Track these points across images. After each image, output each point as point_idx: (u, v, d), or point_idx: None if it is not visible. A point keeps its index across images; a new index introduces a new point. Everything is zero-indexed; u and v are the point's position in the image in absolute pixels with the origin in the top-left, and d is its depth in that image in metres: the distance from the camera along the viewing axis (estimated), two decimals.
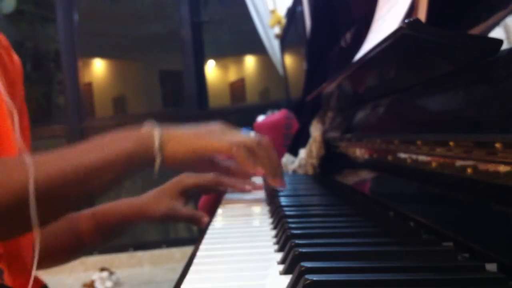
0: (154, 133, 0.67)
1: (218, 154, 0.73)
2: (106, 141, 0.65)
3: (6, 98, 0.67)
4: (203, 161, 0.75)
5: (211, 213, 0.78)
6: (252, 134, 0.78)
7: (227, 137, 0.72)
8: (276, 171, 0.76)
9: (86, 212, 0.87)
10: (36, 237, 0.59)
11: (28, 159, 0.57)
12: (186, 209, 0.85)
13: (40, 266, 0.74)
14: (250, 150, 0.73)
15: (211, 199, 1.10)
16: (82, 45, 3.53)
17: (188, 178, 0.85)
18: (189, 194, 0.87)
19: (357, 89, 0.89)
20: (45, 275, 0.78)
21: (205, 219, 0.81)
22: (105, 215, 0.86)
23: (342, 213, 0.63)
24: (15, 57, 0.81)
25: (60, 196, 0.61)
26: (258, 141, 0.75)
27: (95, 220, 0.86)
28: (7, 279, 0.64)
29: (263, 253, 0.47)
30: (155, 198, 0.85)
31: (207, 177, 0.84)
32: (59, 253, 0.85)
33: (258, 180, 0.86)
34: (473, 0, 0.48)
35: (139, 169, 0.67)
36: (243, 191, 0.83)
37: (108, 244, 0.91)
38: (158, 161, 0.67)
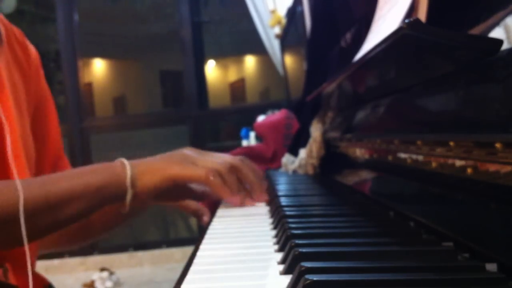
0: (126, 166, 0.66)
1: (192, 182, 0.71)
2: (78, 172, 0.66)
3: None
4: (177, 190, 0.73)
5: (211, 213, 0.78)
6: (225, 158, 0.74)
7: (200, 164, 0.70)
8: (254, 191, 0.76)
9: None
10: (26, 252, 0.59)
11: (19, 183, 0.58)
12: (193, 203, 0.84)
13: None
14: (224, 176, 0.71)
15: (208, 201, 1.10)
16: (82, 45, 3.53)
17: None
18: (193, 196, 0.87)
19: (357, 89, 0.89)
20: (45, 275, 0.79)
21: (205, 218, 0.81)
22: None
23: (342, 213, 0.63)
24: (32, 51, 0.81)
25: (33, 220, 0.61)
26: (231, 165, 0.72)
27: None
28: (12, 278, 0.64)
29: (263, 253, 0.47)
30: None
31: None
32: (68, 238, 0.85)
33: None
34: (473, 0, 0.48)
35: (109, 202, 0.67)
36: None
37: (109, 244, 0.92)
38: (129, 195, 0.66)
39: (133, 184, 0.66)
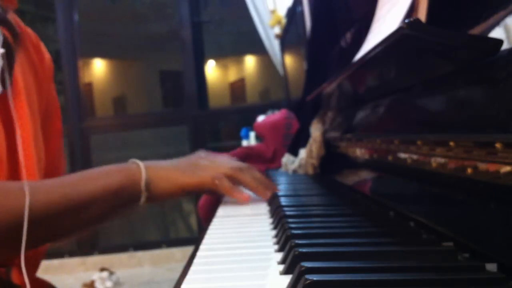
0: (141, 169, 0.68)
1: (201, 189, 0.75)
2: (94, 175, 0.66)
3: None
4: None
5: (211, 213, 0.78)
6: (232, 161, 0.80)
7: (209, 170, 0.74)
8: (264, 189, 0.80)
9: None
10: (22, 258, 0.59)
11: (26, 185, 0.58)
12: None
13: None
14: (233, 178, 0.76)
15: (211, 199, 1.10)
16: (82, 45, 3.53)
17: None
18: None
19: (357, 89, 0.89)
20: (45, 275, 0.78)
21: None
22: None
23: (342, 213, 0.63)
24: (46, 55, 0.81)
25: (49, 225, 0.61)
26: (239, 167, 0.77)
27: None
28: (15, 277, 0.64)
29: (263, 253, 0.47)
30: None
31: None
32: (67, 229, 0.85)
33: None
34: (473, 0, 0.48)
35: (125, 204, 0.68)
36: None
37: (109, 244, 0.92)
38: (143, 198, 0.68)
39: (147, 188, 0.68)
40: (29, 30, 0.77)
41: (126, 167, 0.69)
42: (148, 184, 0.68)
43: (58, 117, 0.84)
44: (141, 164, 0.70)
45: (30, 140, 0.67)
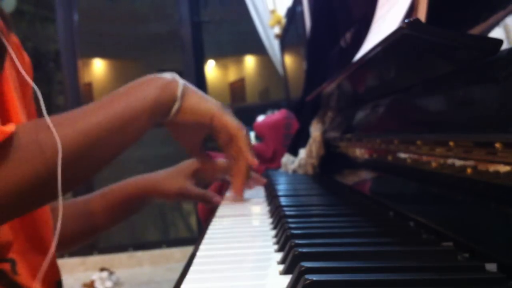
0: (178, 81, 0.69)
1: (225, 130, 0.74)
2: (130, 89, 0.66)
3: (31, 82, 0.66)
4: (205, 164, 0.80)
5: (211, 212, 0.78)
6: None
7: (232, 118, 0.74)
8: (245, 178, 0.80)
9: (95, 194, 0.88)
10: (59, 211, 0.58)
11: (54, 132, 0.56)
12: (198, 189, 0.87)
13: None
14: (238, 137, 0.75)
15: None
16: (82, 45, 3.53)
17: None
18: (198, 178, 0.89)
19: (357, 89, 0.89)
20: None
21: (217, 198, 0.84)
22: (115, 194, 0.88)
23: (342, 213, 0.63)
24: (26, 57, 0.80)
25: (94, 152, 0.60)
26: (245, 131, 0.77)
27: (106, 201, 0.87)
28: (21, 271, 0.63)
29: (263, 253, 0.47)
30: (170, 176, 0.87)
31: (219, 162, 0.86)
32: (72, 238, 0.85)
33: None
34: (473, 0, 0.48)
35: (161, 115, 0.68)
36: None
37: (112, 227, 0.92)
38: (176, 106, 0.68)
39: (182, 97, 0.69)
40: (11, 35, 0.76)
41: (161, 77, 0.69)
42: (183, 94, 0.69)
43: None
44: (177, 76, 0.70)
45: None
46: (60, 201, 0.57)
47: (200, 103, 0.71)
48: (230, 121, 0.73)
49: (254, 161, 0.78)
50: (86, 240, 0.90)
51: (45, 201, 0.61)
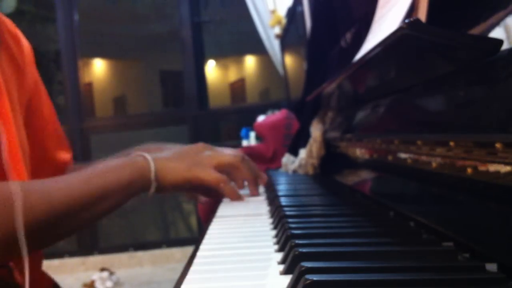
0: (149, 162, 0.71)
1: (206, 185, 0.77)
2: (105, 170, 0.68)
3: None
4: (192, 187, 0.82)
5: (211, 213, 0.78)
6: (234, 152, 0.84)
7: (213, 160, 0.77)
8: (256, 182, 0.86)
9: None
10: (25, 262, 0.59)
11: (16, 188, 0.57)
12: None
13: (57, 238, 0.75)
14: (235, 167, 0.80)
15: (211, 199, 1.10)
16: (82, 45, 3.53)
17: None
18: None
19: (357, 89, 0.89)
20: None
21: (202, 199, 0.90)
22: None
23: (342, 213, 0.63)
24: (25, 43, 0.80)
25: (66, 222, 0.62)
26: (241, 157, 0.81)
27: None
28: (17, 277, 0.64)
29: (263, 253, 0.47)
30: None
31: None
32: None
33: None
34: (473, 0, 0.48)
35: (135, 195, 0.71)
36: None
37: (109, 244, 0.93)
38: (153, 188, 0.72)
39: (156, 178, 0.71)
40: (4, 19, 0.75)
41: (134, 161, 0.71)
42: (157, 175, 0.71)
43: (46, 103, 0.83)
44: (147, 156, 0.72)
45: (15, 141, 0.66)
46: (26, 264, 0.58)
47: (176, 174, 0.74)
48: (207, 176, 0.76)
49: (256, 192, 0.85)
50: (88, 224, 0.91)
51: (10, 259, 0.63)
